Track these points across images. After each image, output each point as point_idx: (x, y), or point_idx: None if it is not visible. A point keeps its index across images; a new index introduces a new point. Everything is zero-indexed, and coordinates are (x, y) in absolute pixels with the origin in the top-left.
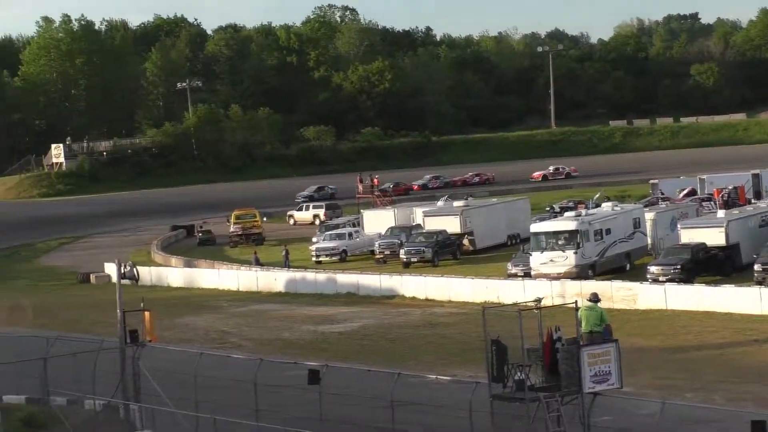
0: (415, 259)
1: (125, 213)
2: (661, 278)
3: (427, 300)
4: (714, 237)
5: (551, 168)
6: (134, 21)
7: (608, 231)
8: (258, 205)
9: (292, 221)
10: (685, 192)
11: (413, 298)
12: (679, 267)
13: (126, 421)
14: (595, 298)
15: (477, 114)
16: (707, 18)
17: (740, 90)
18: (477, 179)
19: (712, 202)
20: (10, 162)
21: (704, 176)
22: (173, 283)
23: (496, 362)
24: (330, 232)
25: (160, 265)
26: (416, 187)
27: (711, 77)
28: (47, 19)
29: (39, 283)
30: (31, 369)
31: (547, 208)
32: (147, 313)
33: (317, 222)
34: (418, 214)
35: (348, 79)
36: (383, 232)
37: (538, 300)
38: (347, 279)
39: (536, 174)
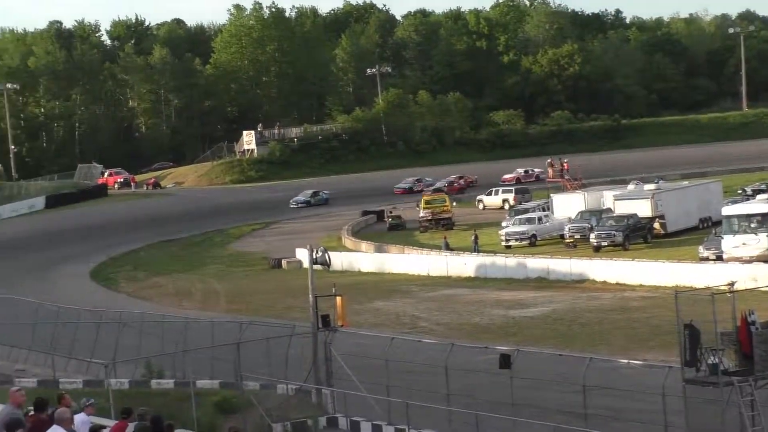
0: (606, 243)
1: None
2: None
3: (617, 284)
4: None
5: (521, 170)
6: (324, 8)
7: None
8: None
9: (481, 206)
10: None
11: (604, 283)
12: None
13: (318, 405)
14: None
15: (668, 96)
16: None
17: None
18: (462, 182)
19: None
20: (203, 149)
21: None
22: (364, 268)
23: (689, 346)
24: (520, 217)
25: (350, 250)
26: (399, 191)
27: None
28: (238, 7)
29: (231, 269)
30: (225, 354)
31: (739, 191)
32: (339, 298)
33: (507, 207)
34: (608, 197)
35: (537, 63)
36: (573, 216)
37: (732, 283)
38: (537, 263)
39: (508, 177)
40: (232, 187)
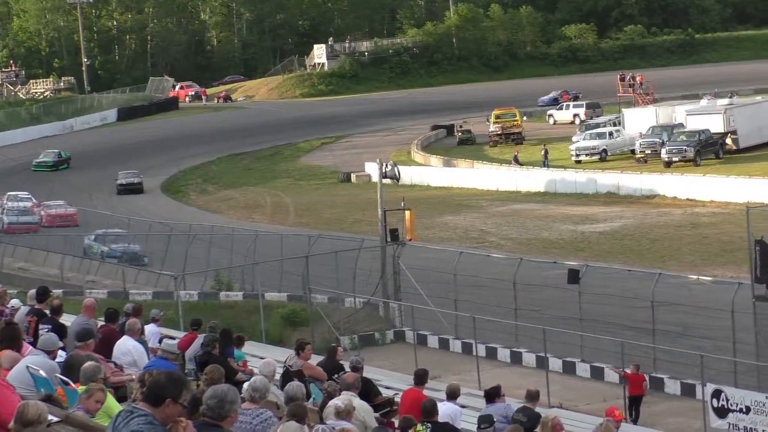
0: (677, 159)
1: (386, 113)
2: None
3: (688, 200)
4: None
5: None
6: None
7: None
8: (519, 105)
9: (552, 120)
10: None
11: (674, 198)
12: None
13: (385, 318)
14: None
15: (743, 10)
16: None
17: None
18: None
19: None
20: (274, 63)
21: None
22: (433, 182)
23: (760, 263)
24: (590, 131)
25: (419, 164)
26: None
27: None
28: None
29: (301, 182)
30: (293, 267)
31: None
32: (408, 212)
33: (577, 121)
34: (680, 112)
35: None
36: (644, 131)
37: None
38: (607, 178)
39: None
40: (302, 101)
